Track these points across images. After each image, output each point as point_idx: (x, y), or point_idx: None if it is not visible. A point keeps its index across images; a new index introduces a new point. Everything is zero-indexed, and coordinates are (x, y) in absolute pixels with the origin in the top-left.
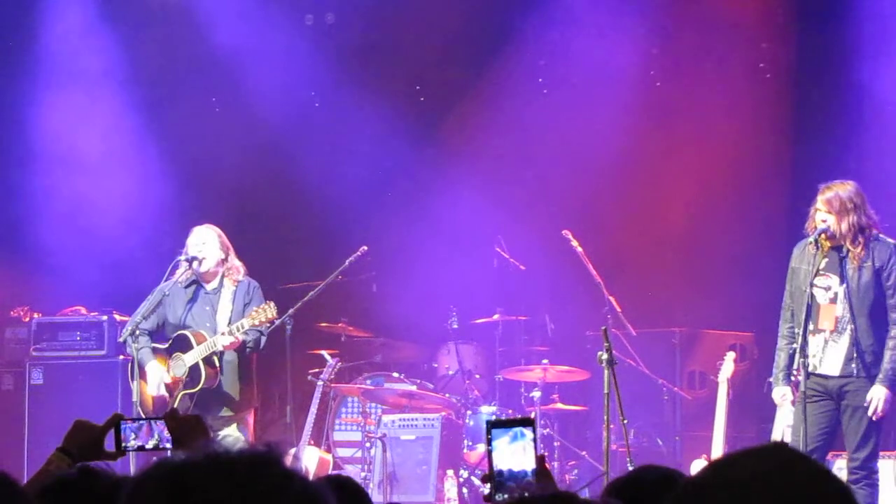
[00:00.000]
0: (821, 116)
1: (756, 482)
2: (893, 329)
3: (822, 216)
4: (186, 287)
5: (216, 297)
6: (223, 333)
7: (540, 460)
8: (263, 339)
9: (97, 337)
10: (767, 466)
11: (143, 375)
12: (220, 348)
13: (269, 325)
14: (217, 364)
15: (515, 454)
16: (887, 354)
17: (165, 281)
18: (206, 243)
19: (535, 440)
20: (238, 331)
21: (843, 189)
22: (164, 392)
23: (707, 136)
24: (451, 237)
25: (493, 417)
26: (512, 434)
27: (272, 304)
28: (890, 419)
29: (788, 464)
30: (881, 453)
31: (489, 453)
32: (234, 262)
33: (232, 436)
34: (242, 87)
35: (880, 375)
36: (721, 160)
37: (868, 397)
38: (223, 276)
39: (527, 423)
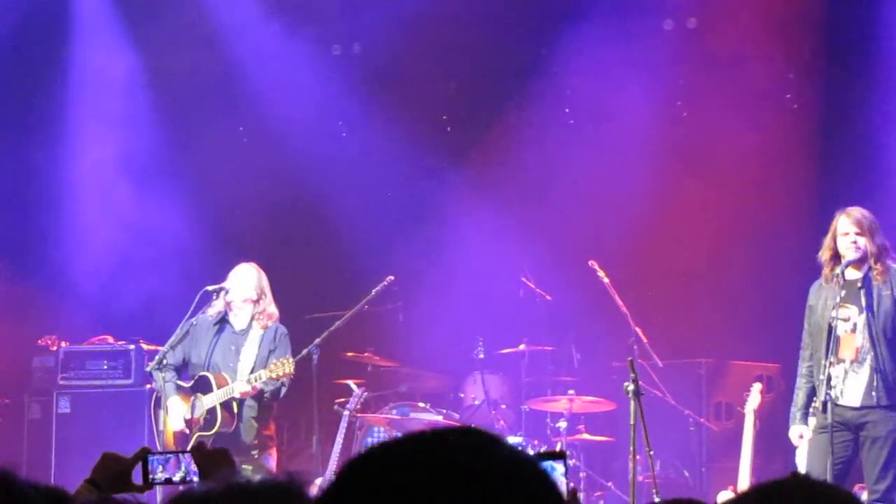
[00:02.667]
0: (847, 148)
1: None
2: None
3: (853, 238)
4: (215, 324)
5: (243, 339)
6: (244, 381)
7: (571, 494)
8: (284, 389)
9: (124, 366)
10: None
11: (165, 408)
12: (238, 395)
13: (284, 380)
14: (235, 409)
15: None
16: None
17: (192, 312)
18: (239, 278)
19: (565, 474)
20: (256, 381)
21: (864, 211)
22: (183, 427)
23: (733, 167)
24: (477, 267)
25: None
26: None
27: (291, 359)
28: None
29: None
30: None
31: None
32: (269, 308)
33: (254, 467)
34: (270, 117)
35: None
36: (748, 191)
37: None
38: (253, 319)
39: (558, 456)
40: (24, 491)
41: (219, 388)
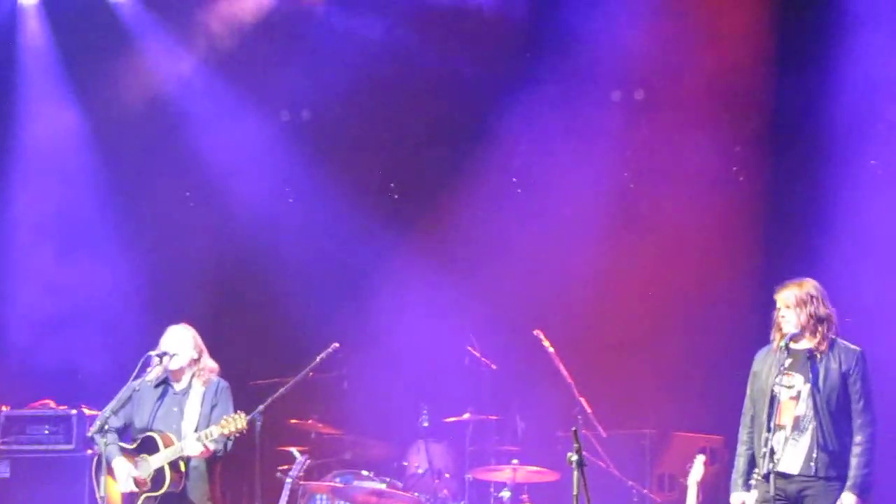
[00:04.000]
0: (793, 219)
1: None
2: (858, 435)
3: (782, 313)
4: (156, 387)
5: (184, 399)
6: (194, 439)
7: None
8: (230, 443)
9: (65, 431)
10: None
11: (110, 472)
12: (192, 454)
13: (237, 434)
14: (182, 469)
15: None
16: (854, 461)
17: (135, 377)
18: (179, 342)
19: None
20: (207, 438)
21: (797, 286)
22: (133, 488)
23: (680, 238)
24: (423, 335)
25: None
26: None
27: (242, 415)
28: None
29: None
30: None
31: None
32: (207, 362)
33: None
34: (217, 181)
35: (849, 483)
36: (694, 261)
37: None
38: (193, 377)
39: None
40: None
41: (166, 447)
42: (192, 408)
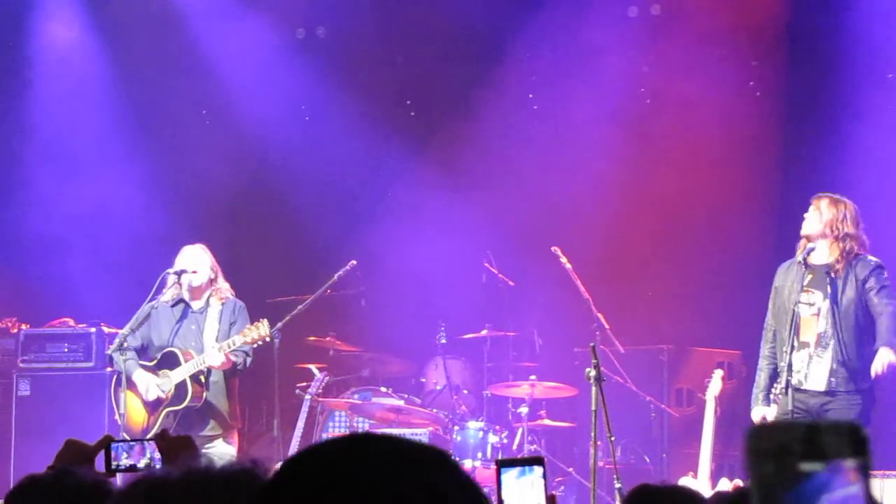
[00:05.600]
0: (810, 135)
1: None
2: (882, 313)
3: (808, 213)
4: (173, 306)
5: (202, 317)
6: (216, 349)
7: (550, 500)
8: (249, 359)
9: (85, 349)
10: None
11: (130, 386)
12: (214, 365)
13: (260, 342)
14: (203, 382)
15: (523, 489)
16: (884, 325)
17: (153, 295)
18: (196, 260)
19: (544, 476)
20: (229, 348)
21: (835, 199)
22: (158, 393)
23: (696, 154)
24: (440, 252)
25: (501, 456)
26: (519, 469)
27: (265, 322)
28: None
29: None
30: (887, 472)
31: (498, 488)
32: (222, 283)
33: (218, 449)
34: (232, 99)
35: (884, 342)
36: (711, 177)
37: (877, 361)
38: (210, 296)
39: (536, 461)
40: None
41: (186, 361)
42: (211, 325)
